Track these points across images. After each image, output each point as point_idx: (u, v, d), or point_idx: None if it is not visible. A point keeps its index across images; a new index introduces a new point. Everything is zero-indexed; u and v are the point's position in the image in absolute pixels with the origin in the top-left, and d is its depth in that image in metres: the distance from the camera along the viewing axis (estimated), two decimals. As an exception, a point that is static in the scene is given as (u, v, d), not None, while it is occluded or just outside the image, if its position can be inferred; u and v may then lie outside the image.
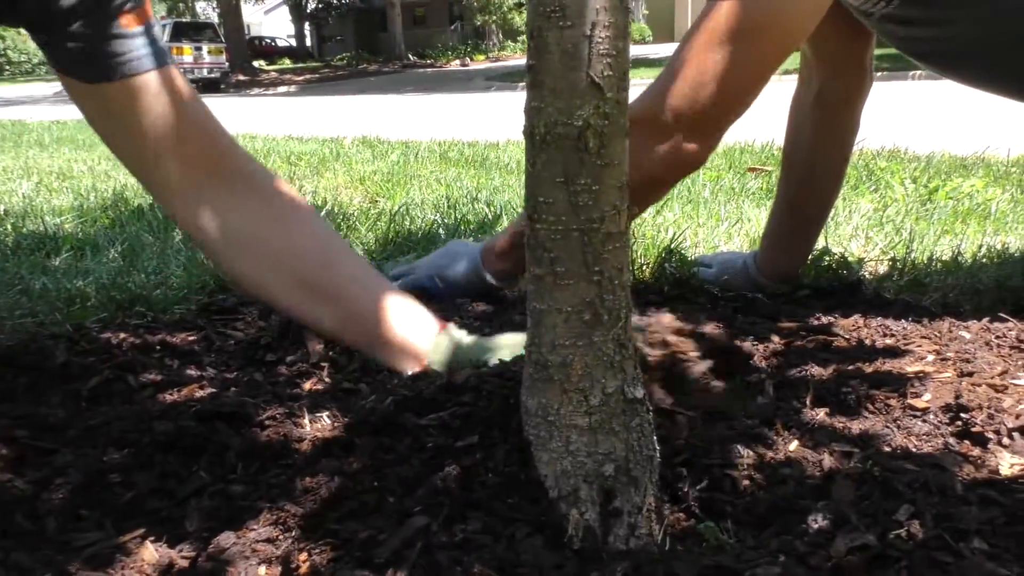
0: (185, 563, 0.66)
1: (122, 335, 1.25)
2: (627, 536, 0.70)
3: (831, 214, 2.09)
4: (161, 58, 0.95)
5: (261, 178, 1.06)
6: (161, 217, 2.23)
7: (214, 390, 0.99)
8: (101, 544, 0.69)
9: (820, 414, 0.88)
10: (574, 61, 0.62)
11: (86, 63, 0.91)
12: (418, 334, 1.01)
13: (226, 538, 0.67)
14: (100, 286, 1.48)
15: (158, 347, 1.23)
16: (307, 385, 1.03)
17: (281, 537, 0.68)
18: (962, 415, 0.84)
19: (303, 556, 0.65)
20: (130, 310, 1.41)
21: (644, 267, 1.59)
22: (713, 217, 2.09)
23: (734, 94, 1.07)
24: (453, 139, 4.60)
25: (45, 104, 14.06)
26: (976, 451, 0.78)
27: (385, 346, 1.02)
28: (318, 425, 0.88)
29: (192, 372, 1.12)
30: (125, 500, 0.76)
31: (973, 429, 0.81)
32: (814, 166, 1.40)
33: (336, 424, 0.88)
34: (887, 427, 0.84)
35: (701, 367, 0.88)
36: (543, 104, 0.64)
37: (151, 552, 0.67)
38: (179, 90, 0.97)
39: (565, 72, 0.63)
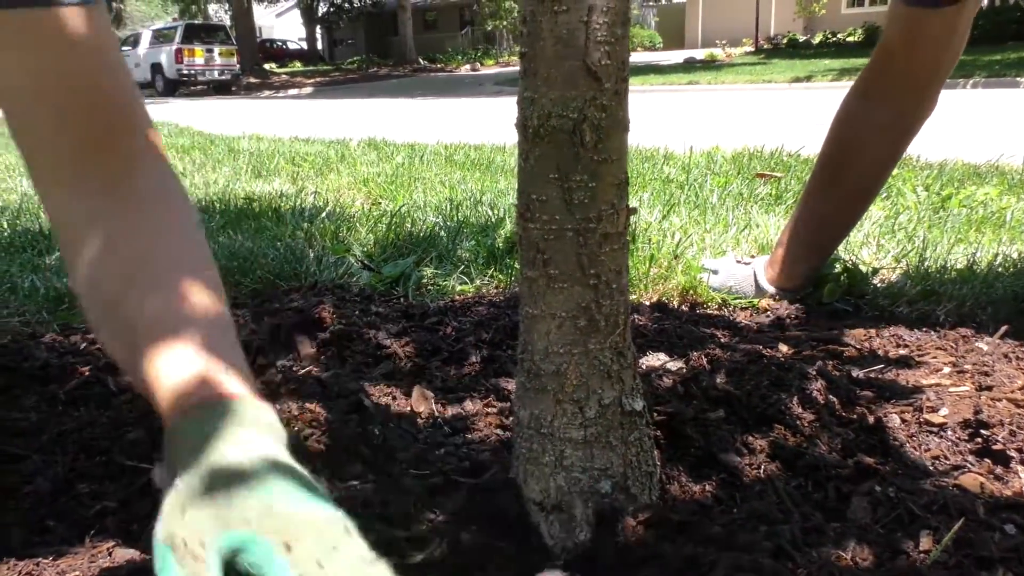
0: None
1: (108, 336, 1.22)
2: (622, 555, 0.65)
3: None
4: None
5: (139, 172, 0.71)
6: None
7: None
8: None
9: (830, 428, 0.83)
10: (569, 48, 0.58)
11: None
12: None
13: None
14: (90, 285, 1.44)
15: (145, 349, 1.19)
16: (294, 388, 0.99)
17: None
18: (982, 431, 0.79)
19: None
20: (119, 310, 1.37)
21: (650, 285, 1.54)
22: (721, 223, 2.04)
23: None
24: (459, 142, 4.56)
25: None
26: (998, 470, 0.73)
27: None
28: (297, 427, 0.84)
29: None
30: (94, 512, 0.72)
31: (994, 447, 0.76)
32: (860, 183, 1.32)
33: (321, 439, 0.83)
34: (902, 444, 0.79)
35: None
36: (536, 94, 0.60)
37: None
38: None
39: (560, 60, 0.58)
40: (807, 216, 1.37)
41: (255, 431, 0.56)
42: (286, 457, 0.56)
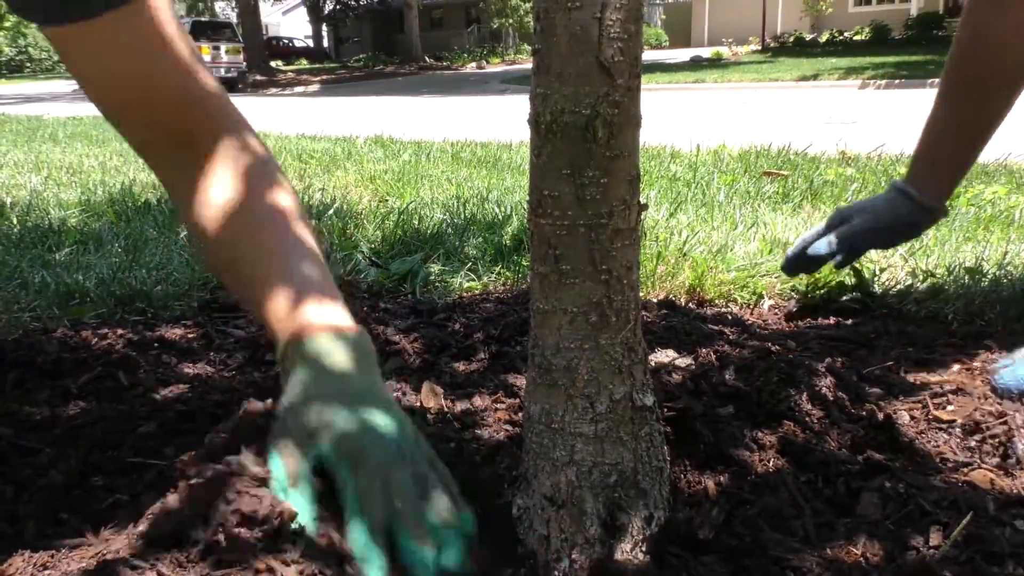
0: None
1: (119, 331, 1.22)
2: (635, 552, 0.66)
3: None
4: None
5: (228, 150, 0.83)
6: (168, 212, 2.20)
7: (204, 389, 0.96)
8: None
9: (840, 425, 0.83)
10: (583, 45, 0.58)
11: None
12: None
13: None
14: (100, 281, 1.45)
15: (155, 344, 1.19)
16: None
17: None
18: (991, 428, 0.79)
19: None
20: (130, 306, 1.38)
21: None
22: (728, 220, 2.04)
23: None
24: (466, 140, 4.57)
25: (64, 101, 14.15)
26: (1008, 466, 0.73)
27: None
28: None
29: (188, 370, 1.08)
30: (107, 505, 0.72)
31: (1004, 444, 0.76)
32: (1005, 84, 1.20)
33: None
34: (911, 440, 0.79)
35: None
36: (549, 91, 0.60)
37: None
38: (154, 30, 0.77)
39: (573, 56, 0.59)
40: (949, 125, 1.25)
41: (356, 360, 0.70)
42: (379, 384, 0.71)
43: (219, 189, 0.80)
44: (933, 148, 1.26)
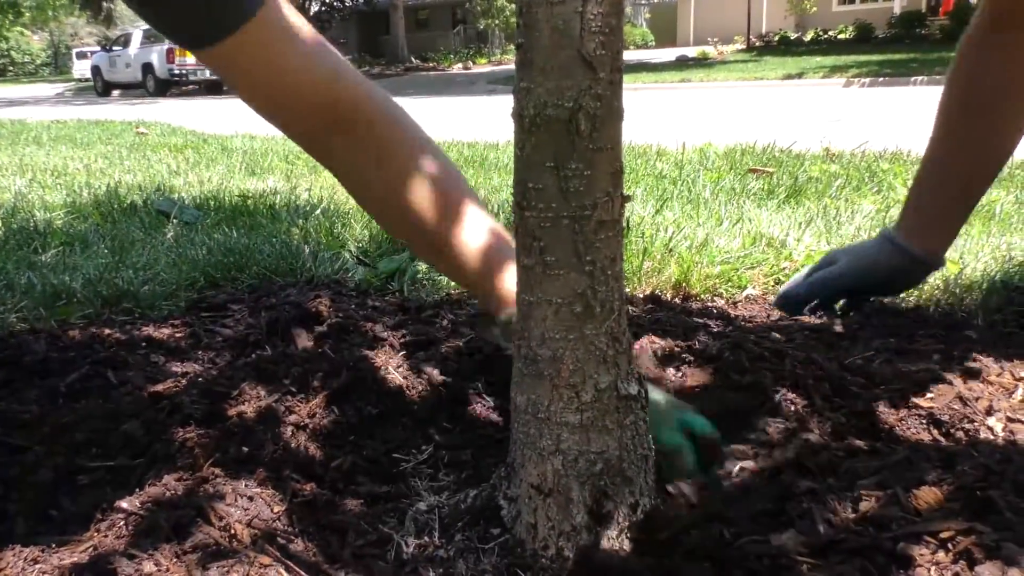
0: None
1: (107, 331, 1.22)
2: (621, 540, 0.67)
3: (835, 213, 2.07)
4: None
5: (379, 125, 0.95)
6: (154, 213, 2.20)
7: (193, 387, 0.96)
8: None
9: (822, 413, 0.84)
10: (565, 39, 0.59)
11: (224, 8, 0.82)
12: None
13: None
14: (87, 281, 1.45)
15: (143, 343, 1.19)
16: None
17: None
18: (968, 415, 0.80)
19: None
20: (117, 306, 1.38)
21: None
22: (713, 216, 2.05)
23: None
24: (453, 139, 4.57)
25: (47, 105, 14.05)
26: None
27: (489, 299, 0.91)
28: (295, 417, 0.85)
29: (176, 368, 1.09)
30: (94, 502, 0.73)
31: (979, 430, 0.78)
32: (997, 120, 1.15)
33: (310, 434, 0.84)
34: (892, 427, 0.80)
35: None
36: (532, 85, 0.61)
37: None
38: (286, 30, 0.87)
39: (555, 50, 0.60)
40: (943, 178, 1.21)
41: None
42: None
43: (404, 174, 0.92)
44: (921, 194, 1.21)
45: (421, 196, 0.92)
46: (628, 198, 0.67)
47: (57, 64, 41.47)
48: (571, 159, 0.62)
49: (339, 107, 0.92)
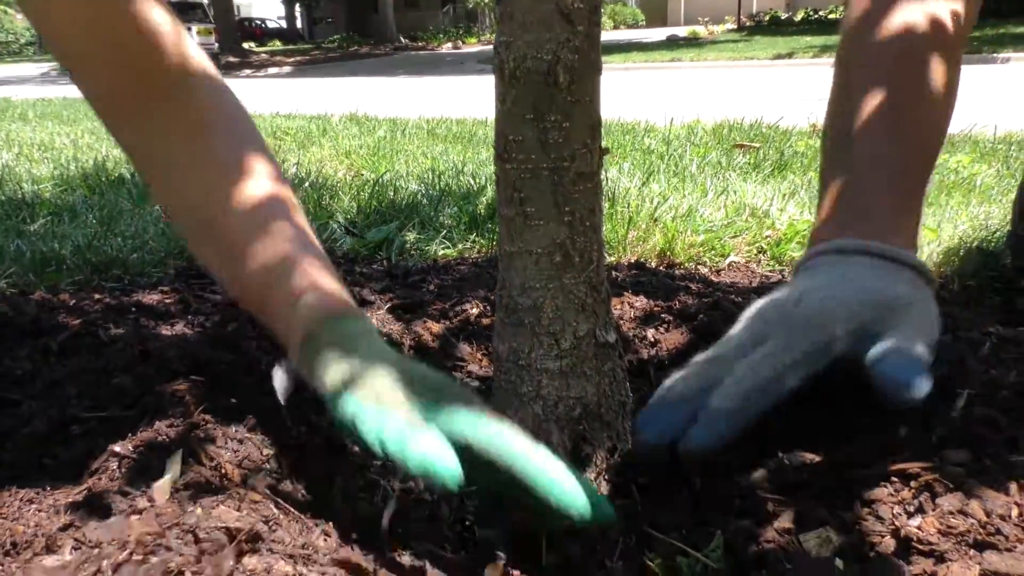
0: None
1: (96, 296, 1.24)
2: (597, 480, 0.69)
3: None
4: None
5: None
6: (141, 185, 2.20)
7: (183, 344, 0.98)
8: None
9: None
10: (544, -8, 0.61)
11: None
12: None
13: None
14: (76, 249, 1.46)
15: (133, 308, 1.21)
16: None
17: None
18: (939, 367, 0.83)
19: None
20: (106, 273, 1.39)
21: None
22: (699, 188, 2.07)
23: None
24: (442, 116, 4.57)
25: (32, 84, 13.90)
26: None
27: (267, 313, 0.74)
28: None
29: (166, 331, 1.10)
30: (86, 452, 0.74)
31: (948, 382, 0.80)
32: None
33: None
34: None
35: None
36: (512, 38, 0.63)
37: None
38: None
39: (535, 4, 0.61)
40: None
41: (375, 335, 0.68)
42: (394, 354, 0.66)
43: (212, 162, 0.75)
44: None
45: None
46: (606, 151, 0.68)
47: (41, 43, 41.01)
48: (550, 111, 0.63)
49: (164, 63, 0.74)
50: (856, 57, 0.88)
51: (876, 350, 0.63)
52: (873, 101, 0.81)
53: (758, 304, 0.73)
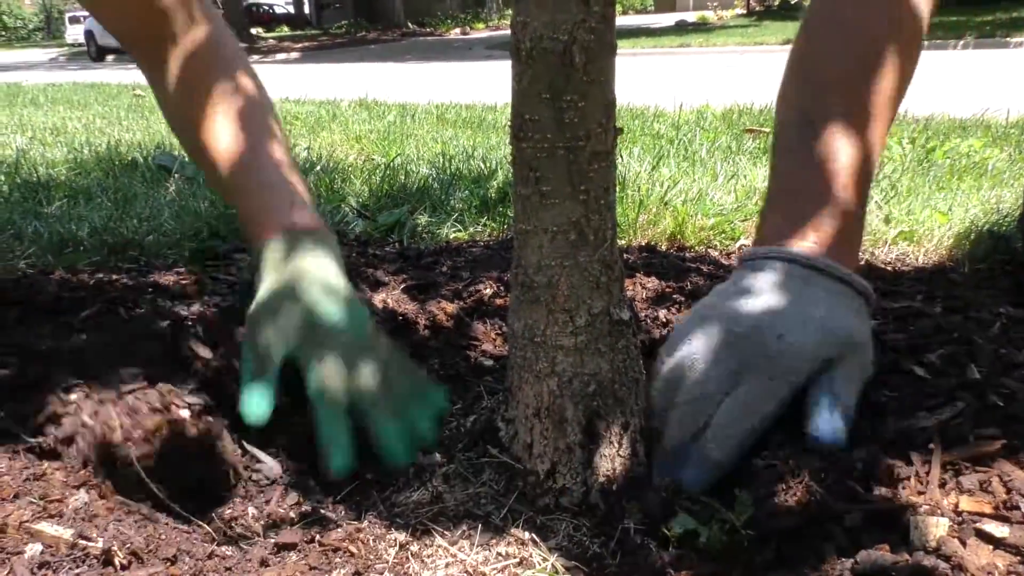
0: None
1: (114, 276, 1.25)
2: (612, 456, 0.71)
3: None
4: None
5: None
6: (155, 169, 2.22)
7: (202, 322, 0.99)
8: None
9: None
10: (560, -27, 0.61)
11: None
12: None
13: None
14: (93, 230, 1.48)
15: (150, 288, 1.23)
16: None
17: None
18: (943, 346, 0.84)
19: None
20: (122, 254, 1.41)
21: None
22: (709, 173, 2.08)
23: None
24: (451, 102, 4.57)
25: (41, 69, 13.92)
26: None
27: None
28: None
29: (183, 312, 1.12)
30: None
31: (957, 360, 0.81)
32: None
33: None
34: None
35: None
36: (529, 18, 0.64)
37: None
38: None
39: (551, -16, 0.62)
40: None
41: (323, 257, 0.81)
42: (341, 279, 0.81)
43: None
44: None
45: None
46: (620, 131, 0.69)
47: (50, 29, 40.95)
48: (566, 91, 0.64)
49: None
50: (816, 47, 0.93)
51: (815, 405, 0.71)
52: (835, 93, 0.84)
53: (722, 311, 0.76)
